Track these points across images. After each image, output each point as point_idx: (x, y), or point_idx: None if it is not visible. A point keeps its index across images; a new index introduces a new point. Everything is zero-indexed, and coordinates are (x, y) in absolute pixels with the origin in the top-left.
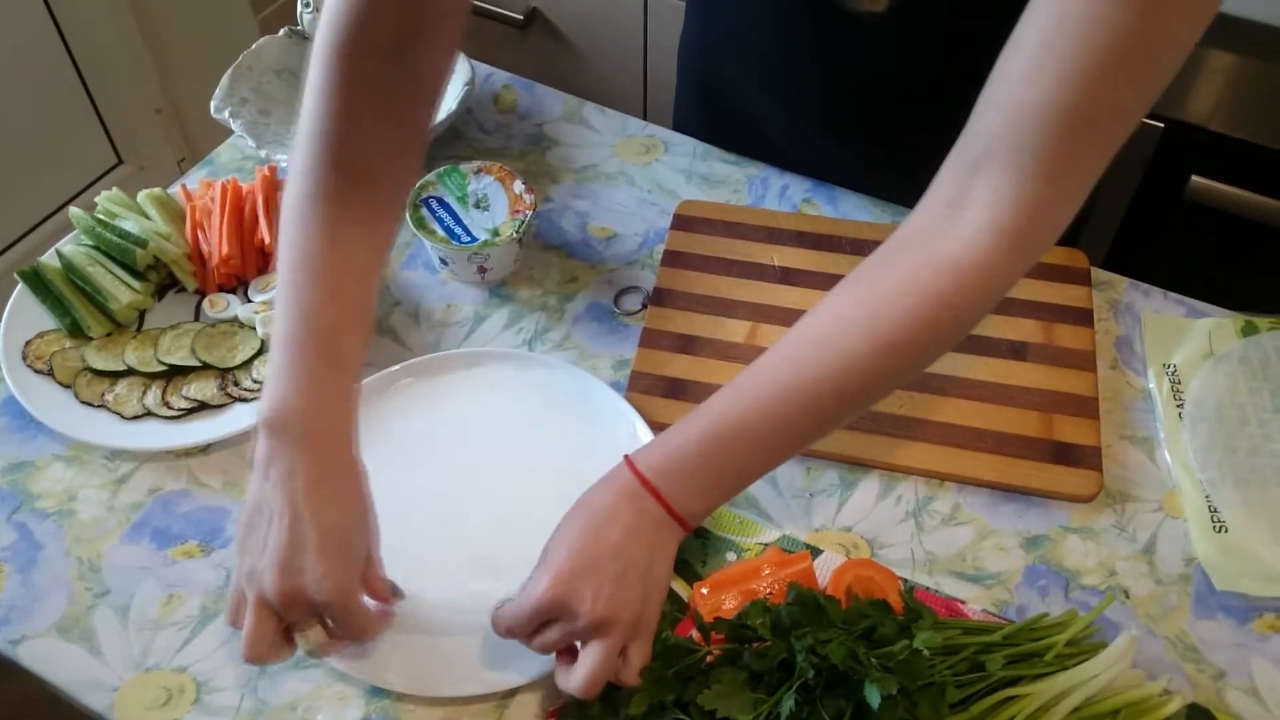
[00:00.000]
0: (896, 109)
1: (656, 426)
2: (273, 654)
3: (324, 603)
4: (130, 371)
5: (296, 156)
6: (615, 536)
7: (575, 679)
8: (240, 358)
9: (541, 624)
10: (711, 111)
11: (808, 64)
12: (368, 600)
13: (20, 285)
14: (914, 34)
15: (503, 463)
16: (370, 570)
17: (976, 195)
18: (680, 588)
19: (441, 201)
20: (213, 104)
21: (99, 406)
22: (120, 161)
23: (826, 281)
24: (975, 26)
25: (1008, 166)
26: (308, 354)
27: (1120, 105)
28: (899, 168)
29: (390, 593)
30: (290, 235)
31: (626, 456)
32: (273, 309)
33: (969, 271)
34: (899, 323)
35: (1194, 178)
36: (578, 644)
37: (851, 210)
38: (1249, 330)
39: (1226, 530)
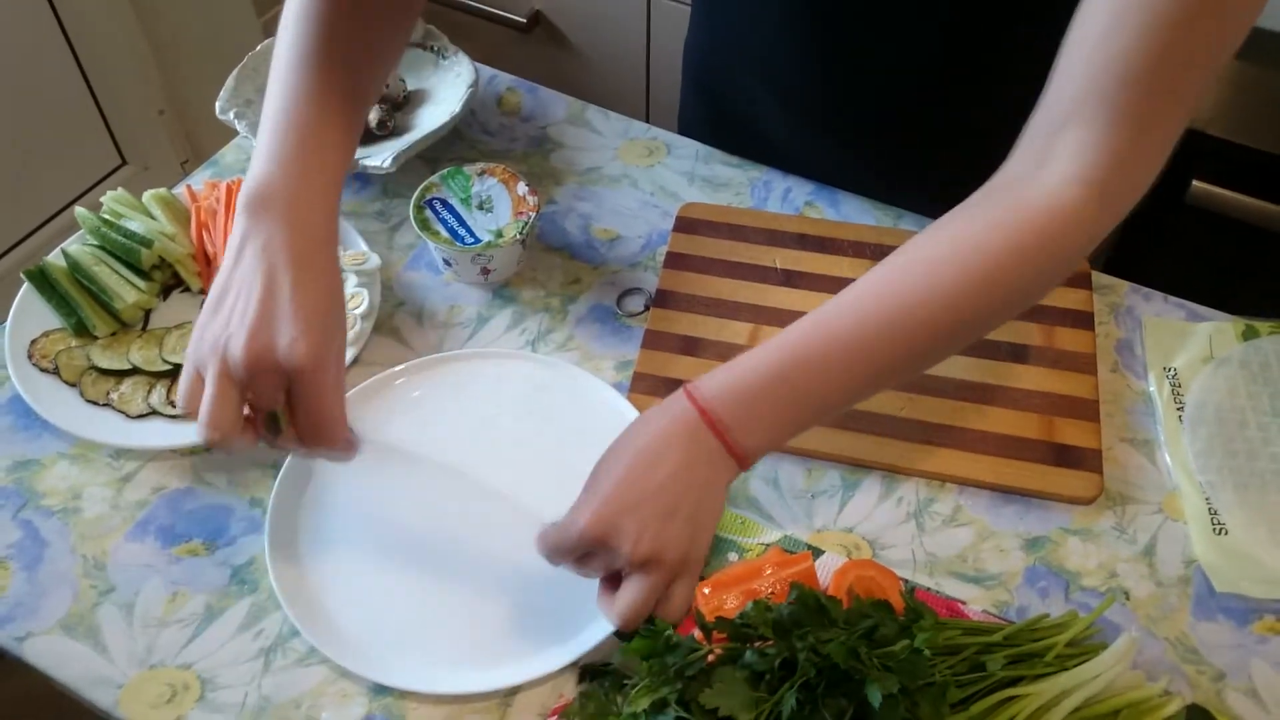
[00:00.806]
0: (901, 111)
1: None
2: (233, 431)
3: (295, 368)
4: (135, 370)
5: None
6: (665, 472)
7: (616, 610)
8: None
9: (581, 560)
10: (716, 113)
11: (812, 66)
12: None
13: (26, 284)
14: (919, 36)
15: (505, 463)
16: (337, 393)
17: (1063, 149)
18: None
19: (445, 203)
20: (218, 105)
21: (104, 405)
22: (124, 162)
23: (828, 284)
24: (980, 29)
25: (1093, 120)
26: (290, 138)
27: (1202, 54)
28: (903, 170)
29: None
30: (289, 29)
31: (685, 386)
32: None
33: (1059, 218)
34: (992, 257)
35: (1195, 182)
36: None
37: (854, 213)
38: (1249, 334)
39: (1226, 533)
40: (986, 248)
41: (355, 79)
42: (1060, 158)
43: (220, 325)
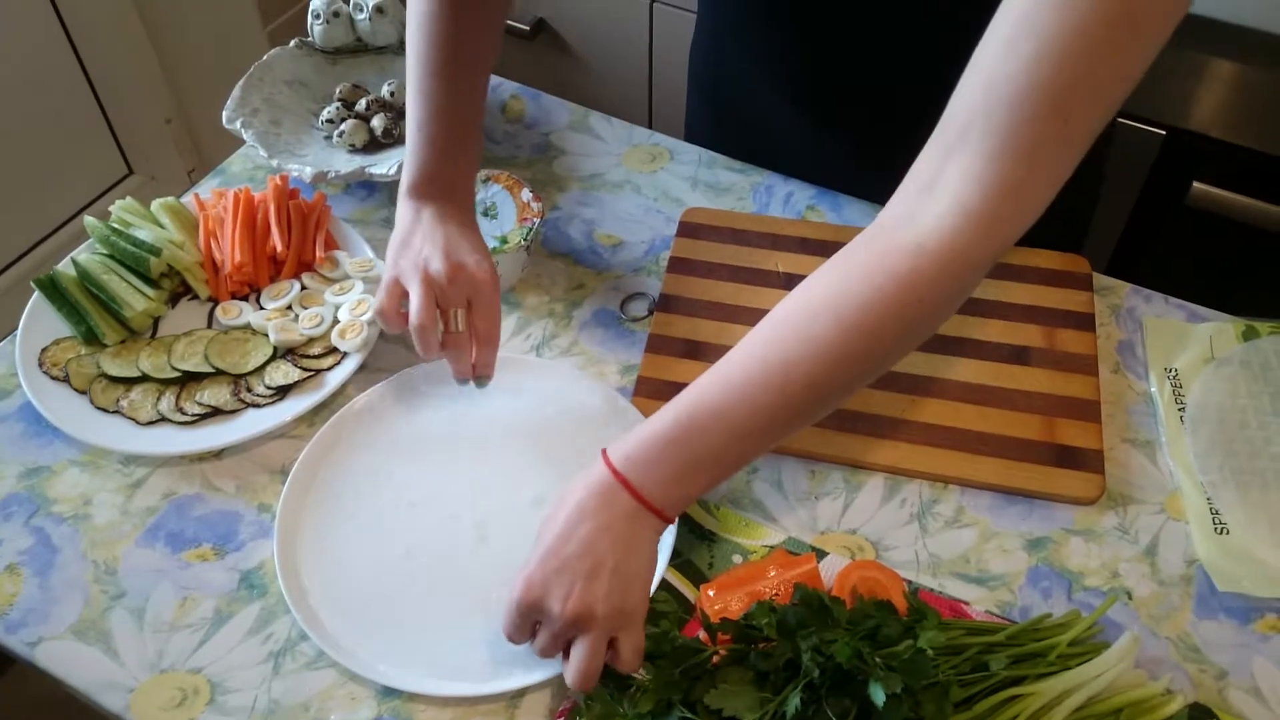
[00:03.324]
0: (909, 114)
1: None
2: (431, 324)
3: (481, 279)
4: (144, 378)
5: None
6: (585, 534)
7: (569, 673)
8: (253, 364)
9: (530, 631)
10: (723, 119)
11: (820, 69)
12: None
13: (36, 293)
14: (928, 38)
15: (512, 466)
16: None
17: (948, 178)
18: (687, 589)
19: None
20: (225, 114)
21: (114, 412)
22: (131, 171)
23: None
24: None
25: (980, 147)
26: (438, 137)
27: (1097, 86)
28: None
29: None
30: (417, 46)
31: (604, 450)
32: (285, 316)
33: (931, 257)
34: (864, 307)
35: (1195, 184)
36: None
37: (855, 217)
38: (1249, 335)
39: (1228, 532)
40: (859, 300)
41: (474, 77)
42: (945, 188)
43: (414, 254)
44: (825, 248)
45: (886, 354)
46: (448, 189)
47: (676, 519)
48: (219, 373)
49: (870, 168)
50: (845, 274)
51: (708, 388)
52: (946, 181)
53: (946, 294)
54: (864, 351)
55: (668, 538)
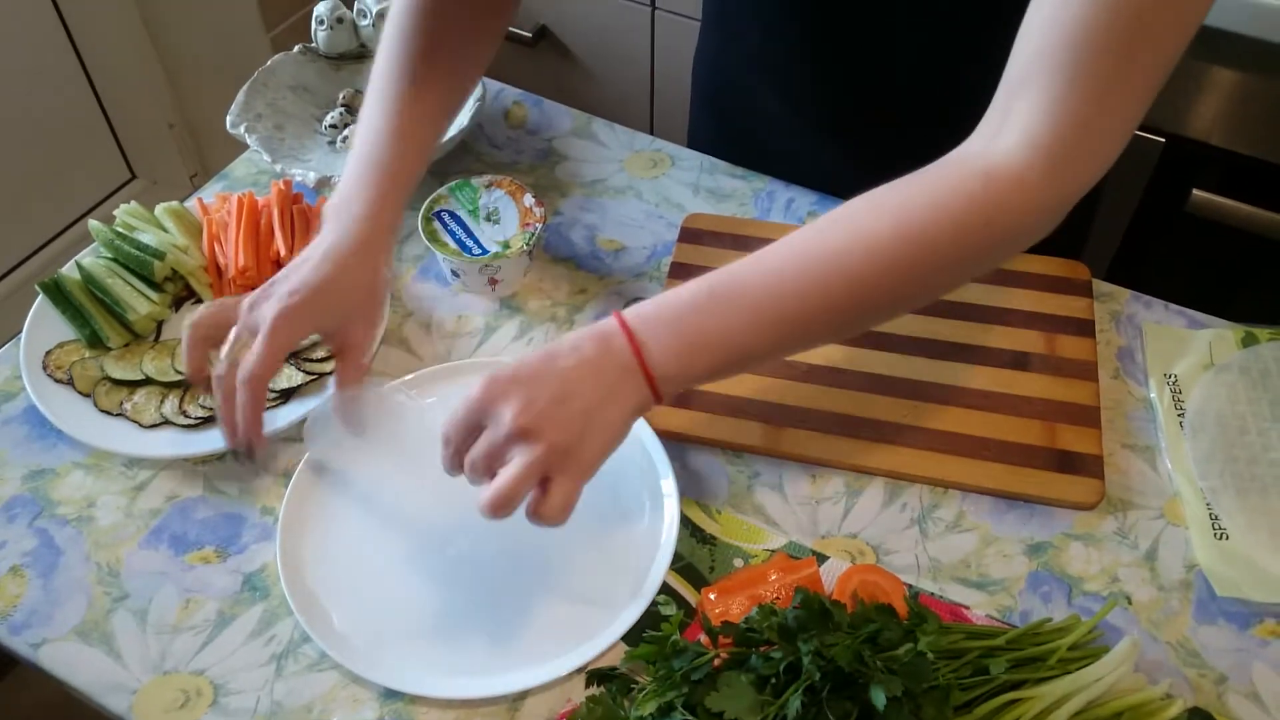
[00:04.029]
0: (916, 120)
1: (664, 434)
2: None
3: (270, 316)
4: (148, 381)
5: (388, 33)
6: (569, 363)
7: (490, 491)
8: None
9: (471, 436)
10: (727, 127)
11: (826, 75)
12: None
13: (41, 296)
14: (935, 46)
15: None
16: (355, 358)
17: (1016, 115)
18: (688, 593)
19: (453, 214)
20: (229, 119)
21: (117, 415)
22: (133, 176)
23: None
24: (998, 40)
25: (1047, 85)
26: (370, 184)
27: (1159, 31)
28: None
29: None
30: (373, 99)
31: (615, 311)
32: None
33: (1000, 182)
34: (927, 218)
35: (1195, 191)
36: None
37: None
38: (1249, 341)
39: (1227, 537)
40: (922, 208)
41: (450, 82)
42: (1013, 124)
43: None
44: None
45: (936, 274)
46: (358, 221)
47: (655, 405)
48: None
49: (873, 175)
50: (910, 186)
51: (741, 267)
52: (1014, 119)
53: (1010, 227)
54: (916, 262)
55: (670, 538)
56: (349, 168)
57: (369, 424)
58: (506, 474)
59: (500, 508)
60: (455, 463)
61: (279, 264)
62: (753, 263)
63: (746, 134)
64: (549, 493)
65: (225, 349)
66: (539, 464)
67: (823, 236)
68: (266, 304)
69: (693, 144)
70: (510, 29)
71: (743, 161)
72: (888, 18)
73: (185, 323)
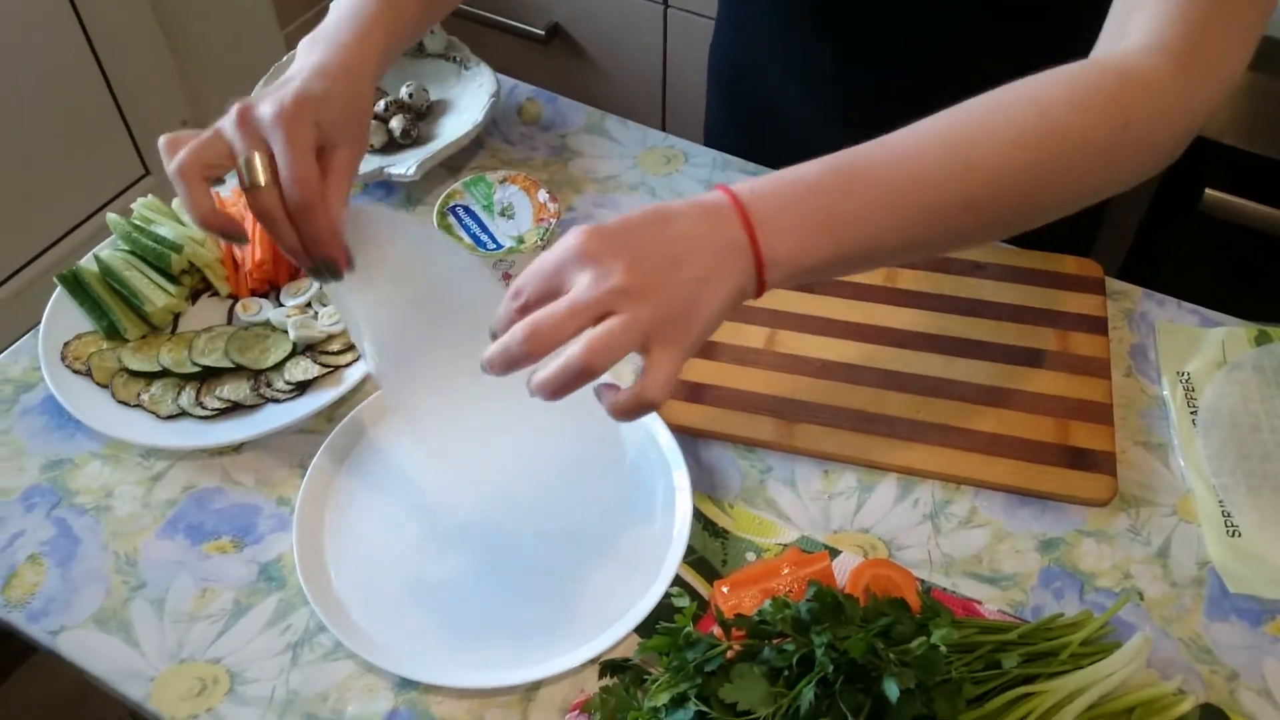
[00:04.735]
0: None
1: (677, 428)
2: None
3: (273, 114)
4: (165, 373)
5: None
6: (682, 228)
7: (580, 342)
8: (272, 360)
9: (549, 295)
10: (744, 120)
11: (845, 63)
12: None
13: (59, 289)
14: (954, 33)
15: (525, 465)
16: (344, 179)
17: (1137, 23)
18: (701, 586)
19: (468, 210)
20: None
21: (135, 406)
22: (147, 172)
23: (844, 287)
24: (1017, 26)
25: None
26: (359, 20)
27: None
28: None
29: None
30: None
31: (721, 185)
32: (304, 313)
33: (1135, 80)
34: (1070, 111)
35: (1208, 191)
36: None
37: None
38: (1262, 339)
39: (1240, 535)
40: (1065, 101)
41: None
42: (1135, 31)
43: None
44: None
45: (1075, 175)
46: (344, 44)
47: (755, 296)
48: (239, 368)
49: None
50: (1051, 80)
51: (869, 149)
52: (1136, 26)
53: (1145, 135)
54: (1058, 154)
55: (683, 532)
56: (331, 14)
57: (378, 244)
58: (609, 324)
59: (596, 355)
60: (517, 320)
61: None
62: (879, 146)
63: (763, 123)
64: (652, 365)
65: (244, 173)
66: (645, 326)
67: (963, 126)
68: (263, 106)
69: (709, 135)
70: (523, 26)
71: (759, 151)
72: (912, 10)
73: (170, 170)
